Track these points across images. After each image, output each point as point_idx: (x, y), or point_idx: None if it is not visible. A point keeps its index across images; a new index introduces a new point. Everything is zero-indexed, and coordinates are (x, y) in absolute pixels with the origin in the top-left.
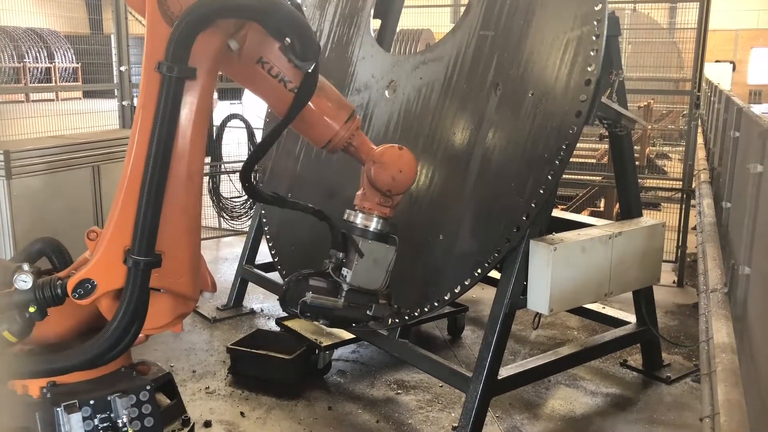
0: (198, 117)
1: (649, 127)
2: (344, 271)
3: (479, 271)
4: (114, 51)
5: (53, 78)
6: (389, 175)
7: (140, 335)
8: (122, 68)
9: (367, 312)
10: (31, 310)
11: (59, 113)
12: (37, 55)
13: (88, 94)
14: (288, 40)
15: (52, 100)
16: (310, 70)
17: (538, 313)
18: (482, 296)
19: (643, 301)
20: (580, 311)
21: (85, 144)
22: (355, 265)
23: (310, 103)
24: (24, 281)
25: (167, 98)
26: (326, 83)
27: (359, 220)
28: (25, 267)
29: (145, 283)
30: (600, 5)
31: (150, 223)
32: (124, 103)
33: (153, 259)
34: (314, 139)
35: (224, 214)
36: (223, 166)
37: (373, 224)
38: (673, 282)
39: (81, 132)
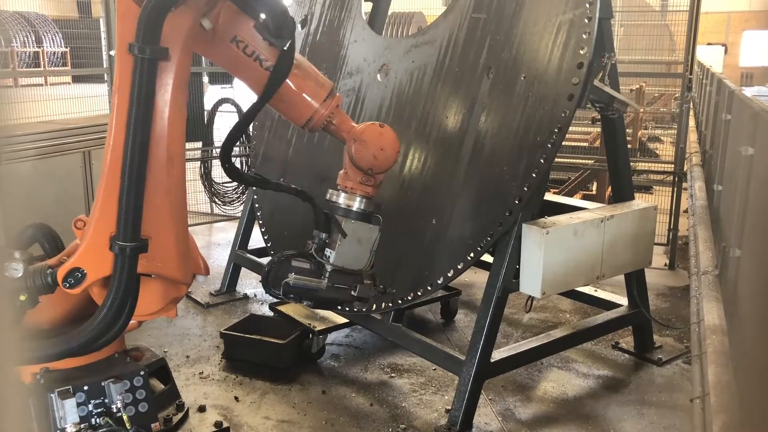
0: (175, 98)
1: (641, 110)
2: (327, 251)
3: (472, 255)
4: (103, 35)
5: (42, 63)
6: (370, 153)
7: (133, 321)
8: (112, 52)
9: (352, 293)
10: (22, 298)
11: (48, 98)
12: (25, 39)
13: (77, 79)
14: (263, 17)
15: (41, 85)
16: (285, 48)
17: (530, 296)
18: (475, 280)
19: (635, 283)
20: (573, 294)
21: (76, 129)
22: (338, 245)
23: (287, 81)
24: (15, 269)
25: (141, 80)
26: (304, 61)
27: (342, 200)
28: (17, 255)
29: (132, 269)
30: None
31: (133, 209)
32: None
33: (139, 245)
34: (293, 117)
35: (216, 200)
36: (214, 150)
37: (356, 204)
38: (665, 265)
39: (71, 117)
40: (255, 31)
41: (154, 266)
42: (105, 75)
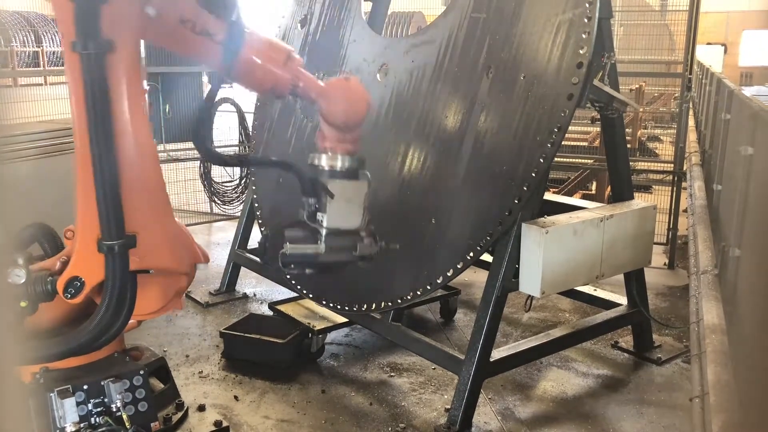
0: (131, 90)
1: (641, 109)
2: (319, 216)
3: (471, 254)
4: None
5: (41, 62)
6: (340, 108)
7: (132, 321)
8: None
9: (353, 253)
10: (23, 304)
11: (48, 98)
12: (25, 38)
13: None
14: None
15: (41, 84)
16: (233, 18)
17: (529, 295)
18: (474, 279)
19: (635, 283)
20: (572, 293)
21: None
22: (329, 207)
23: (244, 51)
24: (18, 276)
25: (92, 77)
26: (257, 30)
27: (324, 161)
28: (20, 261)
29: (124, 266)
30: None
31: (112, 207)
32: None
33: (126, 241)
34: (258, 87)
35: (216, 199)
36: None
37: (339, 163)
38: (664, 264)
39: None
40: (200, 7)
41: (148, 260)
42: None
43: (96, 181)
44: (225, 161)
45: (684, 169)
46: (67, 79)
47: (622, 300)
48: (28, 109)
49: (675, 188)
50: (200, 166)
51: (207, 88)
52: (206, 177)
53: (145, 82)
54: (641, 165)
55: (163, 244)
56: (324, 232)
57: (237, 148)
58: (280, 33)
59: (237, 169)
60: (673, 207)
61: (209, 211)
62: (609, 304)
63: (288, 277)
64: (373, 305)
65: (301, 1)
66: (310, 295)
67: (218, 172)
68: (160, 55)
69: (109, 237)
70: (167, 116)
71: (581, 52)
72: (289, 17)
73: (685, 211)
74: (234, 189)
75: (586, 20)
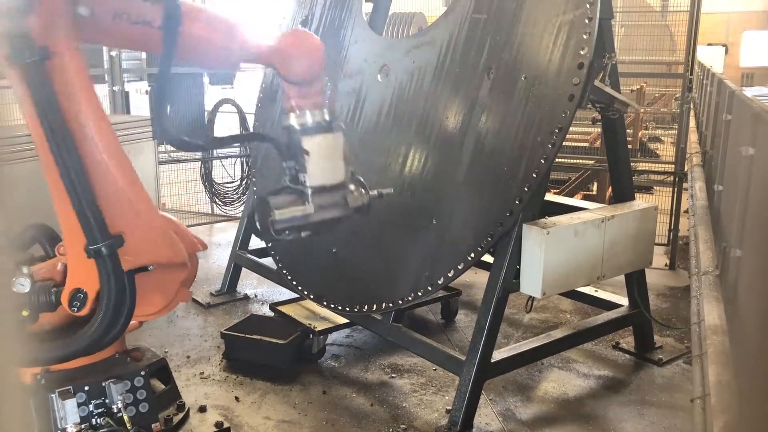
0: (82, 93)
1: (642, 110)
2: (301, 176)
3: (472, 255)
4: None
5: None
6: (296, 63)
7: (134, 322)
8: (112, 53)
9: (345, 206)
10: (25, 313)
11: None
12: None
13: None
14: None
15: None
16: None
17: (530, 296)
18: (475, 280)
19: (636, 284)
20: (573, 294)
21: None
22: (308, 165)
23: (187, 29)
24: (22, 285)
25: (35, 86)
26: (195, 6)
27: (294, 120)
28: (25, 270)
29: (116, 266)
30: None
31: (89, 211)
32: (114, 88)
33: (112, 241)
34: (210, 62)
35: (217, 200)
36: (215, 151)
37: (308, 118)
38: (665, 265)
39: None
40: None
41: (141, 257)
42: (105, 75)
43: (68, 190)
44: (196, 146)
45: (685, 169)
46: (15, 96)
47: (623, 301)
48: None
49: (676, 189)
50: (201, 167)
51: (207, 89)
52: (207, 178)
53: (146, 84)
54: (642, 166)
55: (151, 237)
56: (309, 191)
57: (237, 149)
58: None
59: (238, 170)
60: (674, 208)
61: (210, 212)
62: (610, 305)
63: (289, 278)
64: (374, 306)
65: (302, 2)
66: (311, 296)
67: (219, 173)
68: (156, 57)
69: (94, 241)
70: (168, 116)
71: (582, 52)
72: (290, 18)
73: (686, 211)
74: (235, 190)
75: (587, 21)
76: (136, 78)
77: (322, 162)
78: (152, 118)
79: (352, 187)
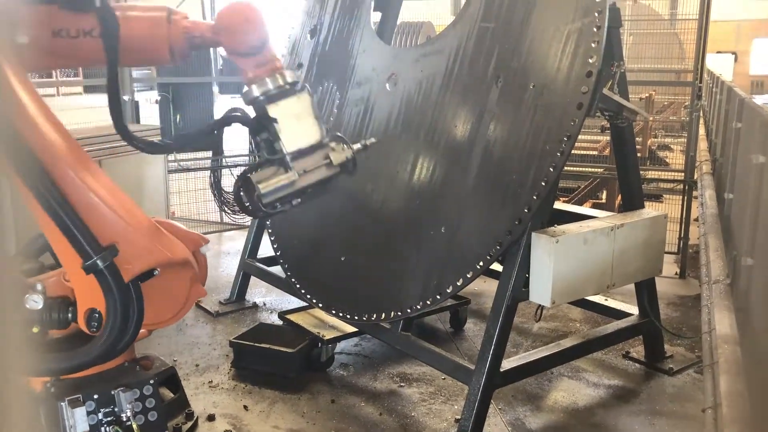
0: (37, 113)
1: (651, 118)
2: (276, 146)
3: (481, 263)
4: None
5: (53, 73)
6: (240, 34)
7: (143, 330)
8: None
9: (330, 165)
10: (35, 330)
11: (60, 108)
12: None
13: (89, 89)
14: None
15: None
16: (98, 5)
17: (540, 305)
18: (484, 288)
19: (646, 292)
20: (583, 303)
21: (87, 139)
22: (280, 132)
23: (124, 31)
24: (35, 302)
25: None
26: (127, 6)
27: (256, 91)
28: (39, 286)
29: (116, 277)
30: None
31: (77, 228)
32: (125, 97)
33: (105, 253)
34: (157, 58)
35: (226, 209)
36: (224, 160)
37: (269, 85)
38: (676, 273)
39: (83, 127)
40: (65, 11)
41: (140, 262)
42: None
43: (47, 212)
44: (160, 147)
45: (695, 178)
46: None
47: (633, 310)
48: None
49: (686, 197)
50: (211, 176)
51: (217, 98)
52: (216, 186)
53: (156, 93)
54: (652, 174)
55: (144, 240)
56: (288, 158)
57: (247, 158)
58: (290, 44)
59: None
60: (684, 216)
61: (219, 220)
62: (620, 314)
63: (297, 286)
64: (383, 315)
65: (311, 12)
66: (320, 305)
67: (228, 182)
68: (166, 67)
69: (87, 256)
70: (178, 126)
71: (590, 61)
72: (299, 28)
73: (696, 220)
74: None
75: (595, 29)
76: (146, 87)
77: (293, 125)
78: (114, 123)
79: (332, 144)
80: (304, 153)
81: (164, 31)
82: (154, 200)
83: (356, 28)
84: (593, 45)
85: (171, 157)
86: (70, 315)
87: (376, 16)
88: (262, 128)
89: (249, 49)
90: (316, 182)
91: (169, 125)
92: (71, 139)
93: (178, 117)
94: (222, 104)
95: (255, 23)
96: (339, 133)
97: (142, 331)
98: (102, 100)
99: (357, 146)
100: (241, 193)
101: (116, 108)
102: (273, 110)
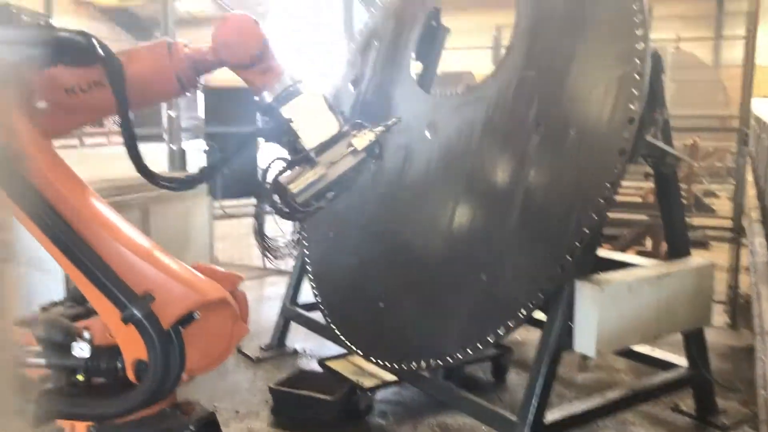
0: (60, 180)
1: (696, 164)
2: (298, 145)
3: (523, 312)
4: None
5: (105, 122)
6: (241, 45)
7: (184, 375)
8: (171, 113)
9: (357, 153)
10: (79, 378)
11: (111, 157)
12: None
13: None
14: (63, 54)
15: (105, 144)
16: (100, 54)
17: (584, 355)
18: (527, 337)
19: (695, 343)
20: (628, 353)
21: (134, 186)
22: (298, 130)
23: (129, 71)
24: (82, 349)
25: (12, 189)
26: (129, 49)
27: (267, 97)
28: (86, 335)
29: (155, 324)
30: (642, 44)
31: (108, 281)
32: (173, 146)
33: (141, 302)
34: (169, 91)
35: (268, 254)
36: (267, 206)
37: (278, 89)
38: (726, 323)
39: (131, 175)
40: (69, 69)
41: (177, 307)
42: (164, 134)
43: (80, 270)
44: (184, 183)
45: (743, 225)
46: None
47: (682, 361)
48: (93, 168)
49: (734, 245)
50: (254, 222)
51: (261, 146)
52: (259, 232)
53: (203, 142)
54: (698, 221)
55: (178, 283)
56: (312, 154)
57: None
58: (331, 94)
59: (289, 224)
60: (733, 264)
61: (261, 266)
62: (668, 365)
63: (337, 333)
64: (423, 363)
65: (353, 63)
66: (359, 352)
67: (271, 227)
68: (214, 117)
69: (123, 307)
70: (224, 174)
71: (632, 107)
72: (341, 79)
73: (747, 268)
74: (286, 244)
75: (637, 76)
76: (194, 137)
77: (309, 121)
78: (135, 164)
79: (354, 132)
80: (327, 146)
81: (167, 62)
82: (198, 246)
83: (397, 78)
84: (635, 92)
85: (216, 203)
86: (119, 364)
87: (417, 66)
88: (281, 132)
89: (250, 59)
90: (345, 172)
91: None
92: (90, 191)
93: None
94: (266, 152)
95: (250, 32)
96: (359, 120)
97: (183, 376)
98: (146, 148)
99: (380, 128)
100: (276, 198)
101: (133, 149)
102: (286, 111)
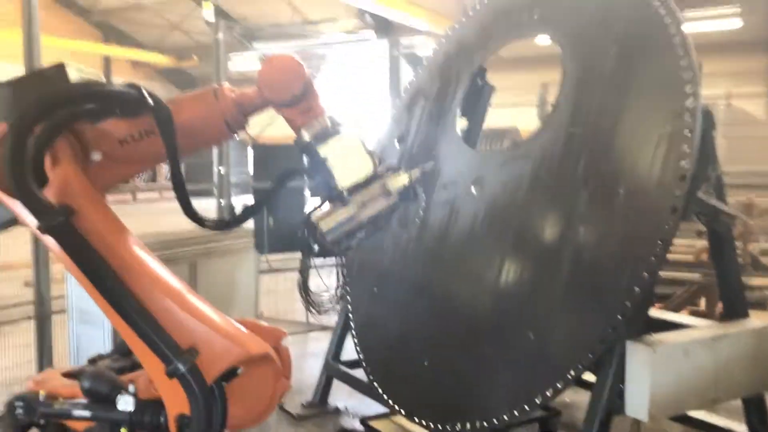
0: (113, 236)
1: (751, 222)
2: (332, 183)
3: (572, 373)
4: (215, 152)
5: (157, 177)
6: (283, 84)
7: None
8: (221, 169)
9: (389, 195)
10: (123, 431)
11: (162, 212)
12: None
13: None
14: (115, 107)
15: (157, 199)
16: (151, 104)
17: (636, 419)
18: (576, 400)
19: (755, 409)
20: (684, 419)
21: (183, 240)
22: (332, 169)
23: (178, 118)
24: (126, 403)
25: (67, 247)
26: (174, 98)
27: (306, 136)
28: (131, 388)
29: (199, 379)
30: (692, 100)
31: (156, 336)
32: (222, 201)
33: (186, 356)
34: (218, 135)
35: (312, 309)
36: (312, 261)
37: (317, 129)
38: None
39: (181, 229)
40: (121, 121)
41: (224, 360)
42: (214, 189)
43: (130, 325)
44: (229, 223)
45: None
46: (51, 249)
47: (741, 428)
48: (144, 222)
49: None
50: (299, 276)
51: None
52: (304, 287)
53: (251, 197)
54: (755, 281)
55: (223, 338)
56: (345, 193)
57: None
58: (377, 150)
59: (333, 279)
60: None
61: (305, 321)
62: None
63: (380, 391)
64: (467, 425)
65: (398, 119)
66: (403, 411)
67: (316, 283)
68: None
69: (169, 362)
70: (270, 228)
71: (683, 164)
72: (387, 135)
73: None
74: (329, 300)
75: (687, 133)
76: (243, 192)
77: (344, 160)
78: (183, 208)
79: (389, 174)
80: (360, 186)
81: (215, 107)
82: (244, 300)
83: (442, 134)
84: (686, 148)
85: (262, 258)
86: (162, 418)
87: (462, 123)
88: (317, 170)
89: (293, 98)
90: (377, 214)
91: (262, 227)
92: (140, 245)
93: (271, 220)
94: (311, 203)
95: (292, 71)
96: (394, 162)
97: (225, 431)
98: (197, 203)
99: (415, 171)
100: (306, 234)
101: (182, 192)
102: (323, 150)
